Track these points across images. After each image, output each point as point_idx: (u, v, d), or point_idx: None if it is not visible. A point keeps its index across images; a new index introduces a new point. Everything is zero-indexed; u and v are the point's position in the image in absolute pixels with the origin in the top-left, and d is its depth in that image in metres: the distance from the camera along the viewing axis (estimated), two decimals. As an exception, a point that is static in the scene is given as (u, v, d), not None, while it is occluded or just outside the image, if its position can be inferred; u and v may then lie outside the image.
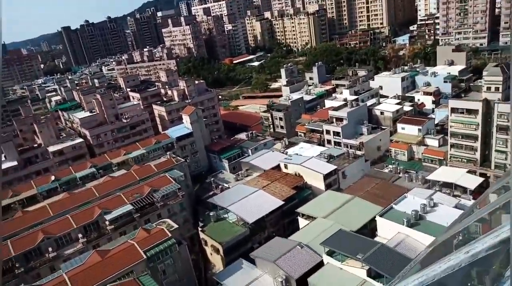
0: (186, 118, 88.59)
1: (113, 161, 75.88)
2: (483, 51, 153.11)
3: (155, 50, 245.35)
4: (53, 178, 69.98)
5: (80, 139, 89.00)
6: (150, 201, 59.77)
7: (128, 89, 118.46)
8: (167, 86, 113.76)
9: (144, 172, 67.90)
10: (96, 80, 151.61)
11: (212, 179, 74.71)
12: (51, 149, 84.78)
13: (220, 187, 71.01)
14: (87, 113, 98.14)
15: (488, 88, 65.18)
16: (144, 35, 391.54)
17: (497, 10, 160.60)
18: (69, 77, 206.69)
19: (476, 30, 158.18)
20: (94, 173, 72.21)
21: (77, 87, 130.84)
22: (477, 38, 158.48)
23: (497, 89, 64.02)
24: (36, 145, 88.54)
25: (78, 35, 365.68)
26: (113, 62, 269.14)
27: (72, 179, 70.28)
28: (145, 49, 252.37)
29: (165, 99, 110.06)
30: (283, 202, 58.50)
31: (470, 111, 66.81)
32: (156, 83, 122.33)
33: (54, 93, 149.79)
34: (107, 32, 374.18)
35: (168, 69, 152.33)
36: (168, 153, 76.19)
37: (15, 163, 77.68)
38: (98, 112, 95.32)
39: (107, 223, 56.30)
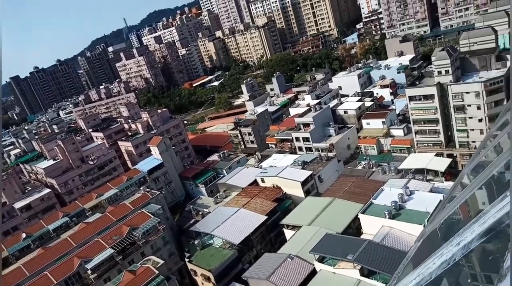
0: (154, 150, 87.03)
1: (85, 206, 72.98)
2: (427, 38, 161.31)
3: (112, 86, 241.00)
4: (24, 235, 66.26)
5: (48, 190, 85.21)
6: (131, 240, 57.71)
7: (90, 130, 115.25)
8: (130, 120, 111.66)
9: (120, 211, 65.68)
10: (55, 126, 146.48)
11: (191, 207, 73.34)
12: (18, 205, 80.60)
13: (200, 213, 69.81)
14: (51, 162, 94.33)
15: (439, 72, 68.28)
16: (98, 72, 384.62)
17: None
18: (26, 127, 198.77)
19: (418, 19, 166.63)
20: (68, 222, 69.04)
21: (36, 137, 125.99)
22: (420, 27, 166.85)
23: (447, 72, 67.18)
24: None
25: (29, 83, 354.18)
26: (70, 105, 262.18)
27: (44, 233, 66.82)
28: (101, 87, 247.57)
29: (130, 133, 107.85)
30: (266, 217, 58.16)
31: (426, 97, 69.60)
32: (118, 119, 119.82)
33: (12, 147, 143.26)
34: (59, 75, 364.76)
35: (128, 103, 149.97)
36: (141, 188, 74.23)
37: (-20, 227, 73.13)
38: (62, 158, 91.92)
39: (89, 272, 53.73)
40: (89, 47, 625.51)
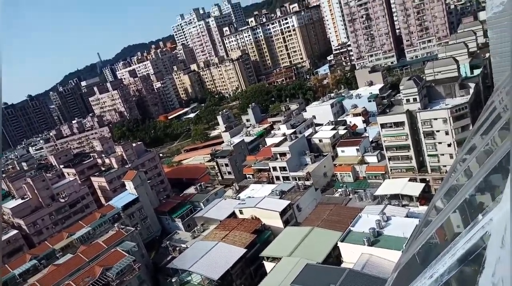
0: (129, 184, 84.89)
1: (55, 247, 69.35)
2: (394, 68, 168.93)
3: (84, 121, 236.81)
4: (-13, 282, 62.02)
5: (15, 231, 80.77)
6: (105, 281, 54.92)
7: (62, 166, 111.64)
8: (103, 155, 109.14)
9: (93, 251, 62.75)
10: (24, 164, 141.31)
11: (167, 242, 71.05)
12: (-19, 249, 75.74)
13: (177, 248, 67.58)
14: (19, 201, 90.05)
15: (408, 100, 71.07)
16: (70, 107, 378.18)
17: (397, 31, 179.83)
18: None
19: (385, 51, 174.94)
20: (36, 265, 65.17)
21: (3, 175, 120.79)
22: (387, 58, 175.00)
23: (415, 100, 70.01)
24: (-38, 249, 78.70)
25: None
26: (41, 141, 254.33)
27: (10, 278, 62.62)
28: (73, 122, 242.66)
29: (103, 168, 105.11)
30: (245, 250, 56.96)
31: (397, 124, 71.96)
32: (91, 154, 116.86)
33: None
34: (30, 111, 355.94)
35: (102, 137, 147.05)
36: (115, 225, 71.55)
37: None
38: (31, 197, 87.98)
39: (58, 318, 50.39)
40: (62, 82, 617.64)
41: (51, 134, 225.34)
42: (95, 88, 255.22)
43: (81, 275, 55.74)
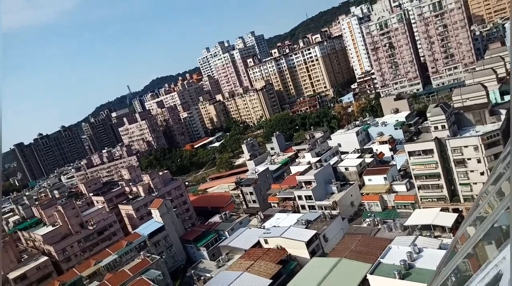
0: (155, 212, 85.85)
1: (83, 274, 70.31)
2: (421, 95, 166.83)
3: (114, 150, 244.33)
4: (16, 308, 63.05)
5: (45, 258, 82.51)
6: (129, 310, 54.78)
7: (91, 194, 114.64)
8: (131, 183, 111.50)
9: (119, 279, 63.16)
10: (55, 192, 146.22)
11: (192, 272, 70.53)
12: (12, 275, 77.48)
13: (202, 278, 66.98)
14: (50, 228, 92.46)
15: (436, 127, 69.62)
16: (101, 137, 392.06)
17: (422, 58, 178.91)
18: (27, 193, 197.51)
19: (410, 78, 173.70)
20: (63, 292, 66.11)
21: (36, 203, 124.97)
22: (413, 85, 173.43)
23: (443, 127, 68.53)
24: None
25: (33, 150, 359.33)
26: (72, 170, 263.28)
27: (39, 305, 63.67)
28: (103, 151, 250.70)
29: (130, 197, 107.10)
30: (271, 281, 55.71)
31: (426, 152, 70.23)
32: (120, 183, 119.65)
33: (11, 213, 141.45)
34: (63, 141, 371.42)
35: (130, 166, 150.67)
36: (141, 253, 72.12)
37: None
38: (61, 224, 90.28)
39: None
40: (93, 113, 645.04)
41: (82, 163, 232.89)
42: (125, 119, 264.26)
43: (107, 304, 55.88)
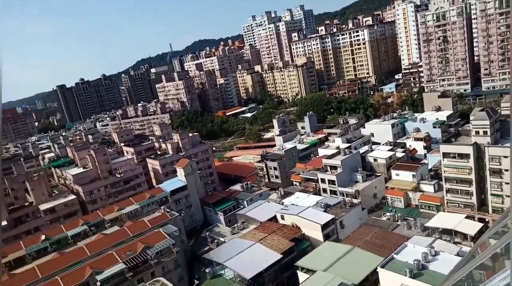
0: (180, 171, 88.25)
1: (106, 217, 74.16)
2: (467, 96, 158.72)
3: (149, 105, 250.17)
4: (43, 237, 67.71)
5: (73, 196, 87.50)
6: (144, 258, 57.65)
7: (122, 144, 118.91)
8: (161, 140, 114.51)
9: (138, 228, 66.19)
10: (90, 136, 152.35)
11: (207, 233, 72.93)
12: (43, 207, 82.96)
13: (216, 241, 69.16)
14: (81, 170, 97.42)
15: (477, 132, 66.49)
16: (138, 91, 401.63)
17: (475, 57, 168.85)
18: (63, 134, 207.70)
19: (459, 77, 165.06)
20: (86, 230, 70.23)
21: (71, 144, 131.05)
22: (460, 84, 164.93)
23: (485, 133, 65.35)
24: (27, 204, 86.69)
25: (73, 93, 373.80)
26: (108, 118, 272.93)
27: (63, 238, 68.09)
28: (139, 105, 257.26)
29: (159, 152, 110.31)
30: (281, 256, 56.80)
31: (461, 156, 67.58)
32: (150, 137, 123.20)
33: (47, 150, 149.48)
34: (102, 89, 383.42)
35: (162, 123, 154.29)
36: (162, 208, 74.87)
37: (5, 222, 75.46)
38: (91, 168, 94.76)
39: (98, 284, 53.71)
40: (134, 66, 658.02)
41: (117, 113, 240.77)
42: (163, 76, 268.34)
43: (124, 248, 59.00)
